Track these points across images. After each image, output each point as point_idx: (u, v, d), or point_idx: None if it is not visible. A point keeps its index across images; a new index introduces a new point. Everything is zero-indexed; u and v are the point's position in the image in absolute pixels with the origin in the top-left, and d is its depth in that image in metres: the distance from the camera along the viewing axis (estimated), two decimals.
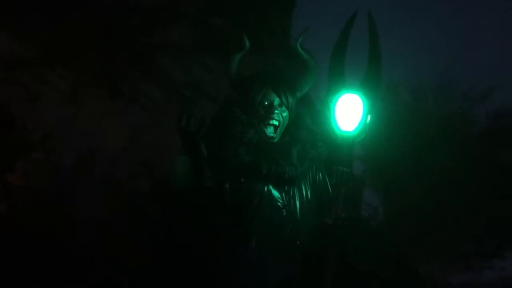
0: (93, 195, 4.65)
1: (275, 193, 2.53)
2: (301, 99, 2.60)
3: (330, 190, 2.58)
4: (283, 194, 2.54)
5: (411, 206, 19.67)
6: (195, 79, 5.36)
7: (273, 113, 2.36)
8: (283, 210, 2.52)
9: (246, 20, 5.65)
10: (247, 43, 2.56)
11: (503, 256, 21.36)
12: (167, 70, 5.29)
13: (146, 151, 5.01)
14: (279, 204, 2.51)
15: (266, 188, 2.52)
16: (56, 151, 4.72)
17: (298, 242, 2.51)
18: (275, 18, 6.44)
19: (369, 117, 2.56)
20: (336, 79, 2.57)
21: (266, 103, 2.39)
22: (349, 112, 2.52)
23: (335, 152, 2.48)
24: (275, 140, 2.44)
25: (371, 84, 2.55)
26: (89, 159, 4.87)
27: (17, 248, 4.36)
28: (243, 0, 5.77)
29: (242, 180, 2.45)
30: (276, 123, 2.39)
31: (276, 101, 2.42)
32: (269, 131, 2.39)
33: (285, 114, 2.44)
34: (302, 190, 2.56)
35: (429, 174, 19.41)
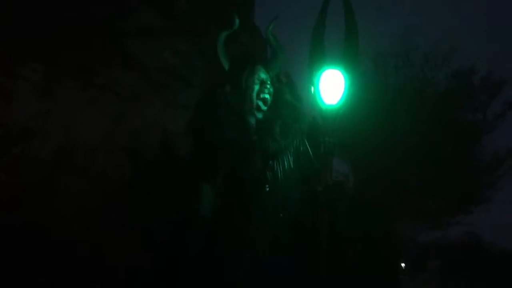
0: (77, 187, 4.68)
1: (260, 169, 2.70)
2: (278, 77, 2.79)
3: (315, 160, 2.77)
4: (267, 170, 2.71)
5: (377, 170, 20.19)
6: (168, 64, 5.41)
7: (266, 87, 2.62)
8: (266, 186, 2.69)
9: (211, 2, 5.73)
10: (237, 22, 2.74)
11: (470, 211, 22.23)
12: (139, 56, 5.32)
13: (125, 138, 5.05)
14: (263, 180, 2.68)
15: (252, 165, 2.68)
16: (35, 145, 4.71)
17: (281, 215, 2.69)
18: None
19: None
20: (317, 57, 2.73)
21: (259, 79, 2.62)
22: (331, 86, 2.70)
23: (321, 125, 2.65)
24: (260, 116, 2.63)
25: (350, 59, 2.73)
26: (69, 151, 4.87)
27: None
28: None
29: (231, 159, 2.62)
30: (268, 96, 2.63)
31: (266, 77, 2.64)
32: (262, 104, 2.62)
33: (272, 89, 2.65)
34: (285, 163, 2.74)
35: (392, 138, 19.89)
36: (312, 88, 2.68)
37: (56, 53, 4.95)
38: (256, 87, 2.64)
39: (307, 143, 2.83)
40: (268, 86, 2.65)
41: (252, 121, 2.66)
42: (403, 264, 37.47)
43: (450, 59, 19.37)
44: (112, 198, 4.53)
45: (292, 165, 2.78)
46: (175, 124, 4.71)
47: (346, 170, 21.71)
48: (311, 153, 2.81)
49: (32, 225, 4.50)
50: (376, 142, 19.71)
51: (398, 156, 19.31)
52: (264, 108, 2.64)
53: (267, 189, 2.71)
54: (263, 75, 2.64)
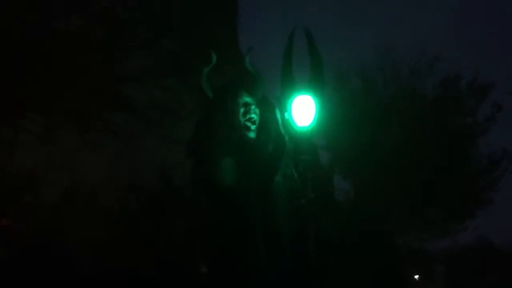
0: (84, 225, 4.94)
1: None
2: (264, 104, 3.08)
3: (298, 177, 3.04)
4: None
5: (376, 184, 20.35)
6: (158, 101, 5.75)
7: (251, 108, 2.88)
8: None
9: (196, 38, 6.09)
10: (214, 58, 3.04)
11: (475, 215, 22.26)
12: (131, 97, 5.66)
13: (126, 174, 5.34)
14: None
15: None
16: (41, 191, 4.99)
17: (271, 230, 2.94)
18: (220, 31, 6.90)
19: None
20: (288, 85, 3.04)
21: (242, 102, 2.89)
22: (303, 110, 3.00)
23: (298, 145, 2.94)
24: (253, 135, 2.90)
25: (317, 88, 3.05)
26: (74, 193, 5.16)
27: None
28: (189, 19, 6.20)
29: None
30: (254, 116, 2.89)
31: (250, 100, 2.91)
32: (250, 124, 2.88)
33: (257, 111, 2.93)
34: (278, 184, 3.01)
35: (387, 151, 20.09)
36: (286, 113, 2.98)
37: (53, 103, 5.27)
38: (241, 110, 2.88)
39: (292, 164, 3.08)
40: (253, 107, 2.89)
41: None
42: (416, 276, 37.10)
43: (435, 68, 19.67)
44: (117, 229, 4.79)
45: (281, 185, 3.01)
46: (170, 157, 5.01)
47: (347, 187, 21.89)
48: (294, 173, 3.06)
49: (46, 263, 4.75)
50: (373, 156, 19.95)
51: (396, 168, 19.52)
52: (253, 127, 2.88)
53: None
54: (246, 98, 2.90)
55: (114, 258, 4.60)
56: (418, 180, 19.14)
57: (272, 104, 3.07)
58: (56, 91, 5.21)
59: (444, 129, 19.81)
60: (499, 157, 20.11)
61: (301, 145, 2.91)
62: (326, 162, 22.03)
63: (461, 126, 19.59)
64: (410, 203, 19.74)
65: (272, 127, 2.96)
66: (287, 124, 3.01)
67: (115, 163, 5.36)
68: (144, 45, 5.79)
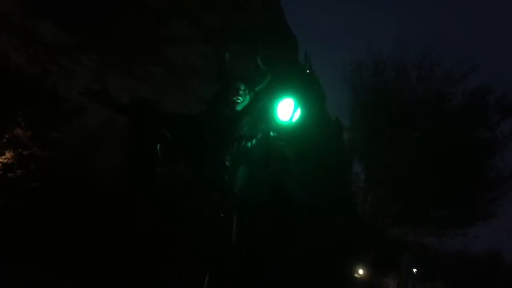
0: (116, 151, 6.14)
1: None
2: (259, 96, 4.14)
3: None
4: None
5: (388, 170, 21.16)
6: (190, 64, 6.84)
7: (239, 94, 3.89)
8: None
9: (235, 18, 7.14)
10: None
11: (475, 223, 22.98)
12: (170, 57, 6.79)
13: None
14: None
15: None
16: (86, 117, 6.22)
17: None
18: (262, 15, 7.92)
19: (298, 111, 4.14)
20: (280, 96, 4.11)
21: (237, 88, 3.92)
22: (285, 109, 4.09)
23: (279, 132, 4.03)
24: (239, 108, 3.92)
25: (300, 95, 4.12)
26: (108, 126, 6.38)
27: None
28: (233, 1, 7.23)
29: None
30: (240, 99, 3.89)
31: (242, 87, 3.95)
32: (237, 103, 3.91)
33: (247, 96, 3.97)
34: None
35: (405, 148, 20.82)
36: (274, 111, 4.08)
37: (109, 49, 6.45)
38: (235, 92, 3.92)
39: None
40: (242, 93, 3.90)
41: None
42: (414, 270, 38.06)
43: (470, 76, 19.97)
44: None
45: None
46: (193, 110, 6.13)
47: (358, 169, 22.83)
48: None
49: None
50: (391, 146, 20.68)
51: (410, 162, 20.22)
52: (238, 103, 3.93)
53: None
54: (240, 85, 3.93)
55: None
56: (428, 178, 19.93)
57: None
58: (113, 41, 6.37)
59: (463, 138, 20.35)
60: (507, 175, 20.64)
61: (280, 134, 3.99)
62: (345, 142, 22.94)
63: (480, 138, 20.09)
64: (416, 197, 20.62)
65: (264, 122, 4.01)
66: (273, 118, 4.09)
67: None
68: (189, 16, 6.86)
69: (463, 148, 20.23)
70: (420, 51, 21.96)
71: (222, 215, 3.54)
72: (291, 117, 4.32)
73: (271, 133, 4.02)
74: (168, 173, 3.71)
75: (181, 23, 6.90)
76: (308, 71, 16.32)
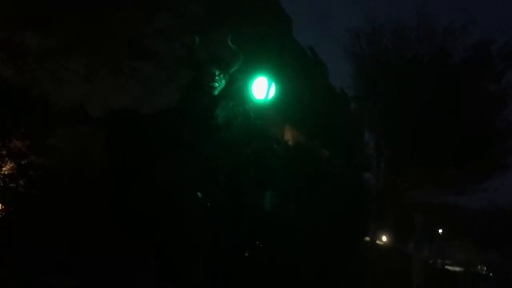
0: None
1: None
2: (234, 78, 4.24)
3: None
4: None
5: (403, 139, 21.21)
6: (178, 55, 6.92)
7: (214, 79, 3.99)
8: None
9: (222, 9, 7.20)
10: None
11: (492, 177, 22.99)
12: (156, 50, 6.89)
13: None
14: None
15: None
16: (78, 119, 6.36)
17: None
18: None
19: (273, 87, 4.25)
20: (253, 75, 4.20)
21: (212, 73, 4.02)
22: (260, 87, 4.19)
23: (254, 110, 4.14)
24: (216, 92, 4.03)
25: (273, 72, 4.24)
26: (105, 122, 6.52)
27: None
28: None
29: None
30: (217, 85, 4.00)
31: (217, 72, 4.04)
32: (215, 88, 4.02)
33: (223, 81, 4.07)
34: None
35: (413, 107, 20.77)
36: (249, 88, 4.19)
37: (95, 49, 6.56)
38: (212, 77, 4.01)
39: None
40: (218, 78, 3.96)
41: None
42: (440, 230, 38.13)
43: (469, 30, 19.79)
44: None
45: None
46: None
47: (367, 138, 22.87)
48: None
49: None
50: (399, 108, 20.67)
51: (421, 126, 20.17)
52: (215, 87, 4.03)
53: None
54: (215, 71, 4.01)
55: None
56: (440, 136, 19.89)
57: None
58: (98, 41, 6.48)
59: (472, 93, 20.26)
60: None
61: (256, 112, 4.11)
62: (353, 111, 22.96)
63: (487, 91, 19.97)
64: (431, 157, 20.63)
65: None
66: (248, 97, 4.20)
67: (138, 103, 6.65)
68: (171, 7, 6.93)
69: (472, 102, 20.15)
70: (415, 10, 21.80)
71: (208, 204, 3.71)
72: (267, 95, 4.43)
73: (251, 113, 4.15)
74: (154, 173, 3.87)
75: (164, 14, 6.97)
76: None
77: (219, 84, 4.00)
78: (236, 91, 4.14)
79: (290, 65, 12.15)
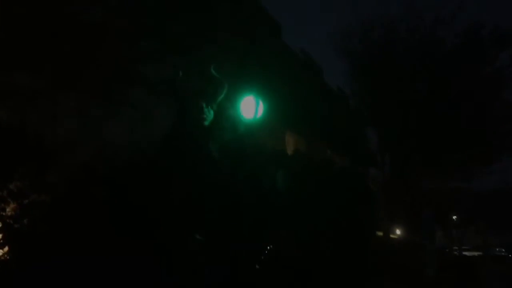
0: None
1: None
2: (222, 106, 4.29)
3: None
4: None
5: (406, 130, 21.23)
6: (167, 76, 6.93)
7: (203, 111, 4.11)
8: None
9: (205, 28, 7.21)
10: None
11: (499, 159, 22.98)
12: (146, 75, 6.90)
13: (144, 142, 6.65)
14: None
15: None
16: (72, 154, 6.38)
17: None
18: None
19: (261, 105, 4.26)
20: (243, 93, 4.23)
21: (200, 106, 4.12)
22: (249, 107, 4.20)
23: (243, 130, 4.16)
24: (207, 123, 4.12)
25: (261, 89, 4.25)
26: (101, 154, 6.54)
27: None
28: (200, 12, 7.33)
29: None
30: (205, 116, 4.10)
31: (204, 104, 4.14)
32: (205, 119, 4.13)
33: (211, 111, 4.15)
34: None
35: (413, 101, 20.83)
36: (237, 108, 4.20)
37: (83, 81, 6.58)
38: (201, 111, 4.13)
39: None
40: (206, 110, 4.13)
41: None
42: (454, 217, 38.06)
43: (458, 16, 19.96)
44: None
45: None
46: None
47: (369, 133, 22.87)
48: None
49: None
50: (396, 100, 20.70)
51: (422, 115, 20.21)
52: (207, 120, 4.12)
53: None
54: (202, 103, 4.12)
55: None
56: (442, 122, 19.88)
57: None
58: (86, 72, 6.50)
59: (468, 77, 20.26)
60: None
61: (246, 130, 4.13)
62: (351, 108, 22.98)
63: (483, 75, 20.00)
64: (436, 145, 20.63)
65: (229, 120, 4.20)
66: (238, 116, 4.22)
67: (134, 131, 6.67)
68: (149, 31, 6.96)
69: (470, 86, 20.19)
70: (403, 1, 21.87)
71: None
72: (255, 113, 4.44)
73: (244, 139, 4.19)
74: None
75: (149, 39, 6.99)
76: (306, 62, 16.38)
77: (208, 116, 4.09)
78: (226, 120, 4.20)
79: (283, 71, 12.16)
